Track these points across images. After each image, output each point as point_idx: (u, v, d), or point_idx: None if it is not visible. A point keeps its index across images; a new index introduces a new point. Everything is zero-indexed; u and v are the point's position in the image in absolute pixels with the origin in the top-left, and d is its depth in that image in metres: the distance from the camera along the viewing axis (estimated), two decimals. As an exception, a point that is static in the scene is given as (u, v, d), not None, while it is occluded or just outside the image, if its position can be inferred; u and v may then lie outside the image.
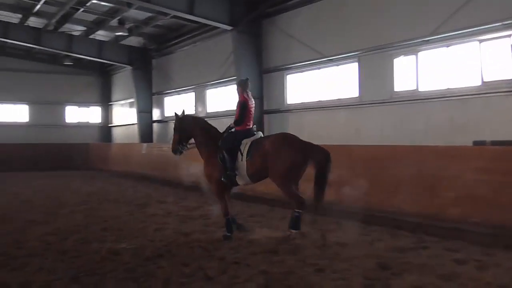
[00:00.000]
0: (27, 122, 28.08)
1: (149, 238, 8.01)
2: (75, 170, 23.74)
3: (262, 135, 8.13)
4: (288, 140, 7.62)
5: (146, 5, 16.16)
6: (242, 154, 7.72)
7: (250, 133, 8.01)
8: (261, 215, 10.27)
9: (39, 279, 5.76)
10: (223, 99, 19.47)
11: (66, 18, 20.82)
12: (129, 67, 24.63)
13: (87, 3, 18.81)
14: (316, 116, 15.01)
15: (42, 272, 6.04)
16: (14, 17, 21.63)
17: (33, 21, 21.88)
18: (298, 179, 7.55)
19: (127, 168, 21.25)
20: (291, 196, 7.40)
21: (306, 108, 15.43)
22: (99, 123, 30.30)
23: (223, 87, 19.38)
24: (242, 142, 7.85)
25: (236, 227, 8.05)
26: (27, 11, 20.63)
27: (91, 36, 23.09)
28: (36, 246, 7.45)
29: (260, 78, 16.78)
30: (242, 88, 8.14)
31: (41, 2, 19.06)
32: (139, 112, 24.44)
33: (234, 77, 17.25)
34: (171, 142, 8.68)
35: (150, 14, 19.82)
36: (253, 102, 8.20)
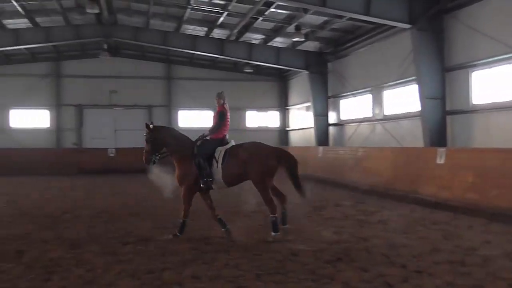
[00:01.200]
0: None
1: (327, 241, 8.01)
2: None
3: (234, 143, 8.74)
4: (261, 148, 8.61)
5: (322, 9, 16.27)
6: (217, 161, 8.38)
7: (224, 141, 8.70)
8: (445, 222, 9.66)
9: (227, 274, 6.11)
10: (401, 100, 18.76)
11: (247, 27, 22.01)
12: (305, 72, 25.09)
13: (265, 12, 19.65)
14: (509, 118, 13.57)
15: (229, 268, 6.39)
16: (201, 31, 23.56)
17: (217, 33, 23.56)
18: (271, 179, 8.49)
19: (304, 171, 21.52)
20: (268, 201, 8.23)
21: (496, 108, 14.08)
22: (277, 127, 31.38)
23: (402, 88, 18.67)
24: (217, 149, 8.52)
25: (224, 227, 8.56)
26: (212, 24, 22.28)
27: (269, 44, 24.07)
28: (222, 243, 7.93)
29: (442, 77, 15.80)
30: (221, 99, 8.92)
31: (224, 15, 20.44)
32: (316, 115, 24.74)
33: (413, 77, 16.54)
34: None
35: (325, 18, 19.97)
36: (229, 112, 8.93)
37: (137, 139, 28.66)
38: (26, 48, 25.06)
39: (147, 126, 8.64)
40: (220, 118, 8.73)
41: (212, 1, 19.45)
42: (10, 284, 5.87)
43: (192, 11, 20.82)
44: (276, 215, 8.18)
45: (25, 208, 12.44)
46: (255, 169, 8.22)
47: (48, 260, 6.89)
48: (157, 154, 8.62)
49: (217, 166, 8.38)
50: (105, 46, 25.29)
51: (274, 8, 19.10)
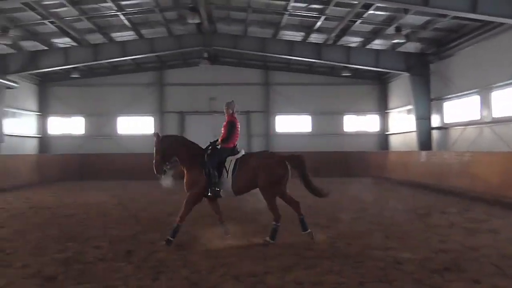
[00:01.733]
0: (310, 131, 30.19)
1: (433, 249, 7.65)
2: (354, 177, 24.45)
3: (244, 153, 8.79)
4: (270, 156, 8.75)
5: (424, 9, 15.65)
6: (227, 171, 8.42)
7: (235, 151, 8.73)
8: None
9: (329, 280, 6.03)
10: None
11: (344, 31, 21.74)
12: (406, 74, 24.29)
13: (364, 14, 19.29)
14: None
15: (331, 274, 6.30)
16: (298, 36, 23.63)
17: (314, 37, 23.49)
18: (283, 189, 8.54)
19: (405, 176, 20.93)
20: (273, 209, 8.35)
21: None
22: (377, 131, 30.64)
23: (514, 89, 17.46)
24: (227, 159, 8.55)
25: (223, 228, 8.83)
26: (309, 29, 22.25)
27: (368, 46, 23.59)
28: (324, 249, 7.82)
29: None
30: (230, 108, 8.93)
31: (322, 19, 20.33)
32: (418, 119, 23.83)
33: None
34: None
35: (428, 18, 19.21)
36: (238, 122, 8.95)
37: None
38: (132, 59, 26.54)
39: (156, 135, 8.69)
40: (230, 128, 8.77)
41: (310, 6, 19.42)
42: (122, 281, 6.18)
43: (290, 17, 20.93)
44: (279, 224, 8.33)
45: (132, 210, 13.10)
46: (262, 178, 8.30)
47: (155, 261, 7.19)
48: (167, 163, 8.64)
49: (227, 176, 8.43)
50: (205, 55, 26.09)
51: (373, 10, 18.69)
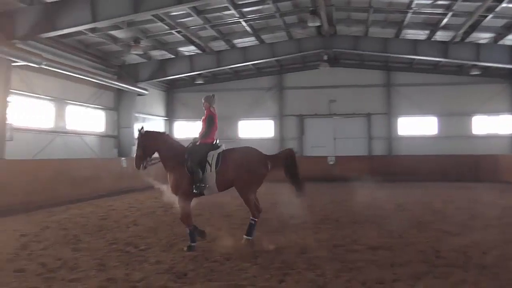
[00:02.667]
0: (435, 134, 28.81)
1: None
2: (483, 182, 22.93)
3: (224, 148, 8.66)
4: (252, 153, 8.59)
5: None
6: (210, 166, 8.29)
7: (215, 145, 8.61)
8: None
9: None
10: None
11: (474, 27, 20.43)
12: (544, 71, 22.27)
13: (496, 8, 17.99)
14: None
15: (466, 285, 5.94)
16: (422, 34, 22.64)
17: (439, 35, 22.34)
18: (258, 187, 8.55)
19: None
20: (251, 205, 8.35)
21: None
22: (510, 133, 28.33)
23: None
24: (209, 154, 8.40)
25: (199, 234, 8.45)
26: (434, 26, 21.23)
27: (500, 42, 21.97)
28: (456, 258, 7.39)
29: None
30: (209, 103, 8.82)
31: (449, 15, 19.30)
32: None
33: None
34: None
35: None
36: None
37: (356, 147, 29.14)
38: (253, 64, 27.16)
39: (139, 130, 8.59)
40: (209, 122, 8.67)
41: (435, 3, 18.52)
42: (248, 282, 6.31)
43: (413, 15, 20.13)
44: (257, 219, 8.43)
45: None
46: (241, 174, 8.27)
47: (280, 262, 7.24)
48: (148, 159, 8.51)
49: (210, 170, 8.33)
50: (325, 57, 25.95)
51: (507, 3, 17.36)
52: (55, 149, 19.06)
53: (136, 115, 25.70)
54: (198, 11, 18.78)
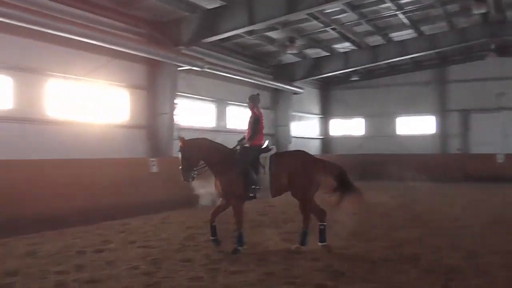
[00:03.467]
0: None
1: None
2: None
3: (275, 150, 8.29)
4: (307, 158, 8.32)
5: None
6: (264, 168, 7.92)
7: (266, 147, 8.22)
8: None
9: None
10: None
11: None
12: None
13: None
14: None
15: None
16: None
17: None
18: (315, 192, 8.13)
19: None
20: (309, 211, 8.07)
21: None
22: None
23: None
24: (261, 156, 8.03)
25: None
26: None
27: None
28: None
29: None
30: (254, 103, 8.36)
31: None
32: None
33: None
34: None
35: None
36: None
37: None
38: (410, 58, 25.93)
39: (181, 140, 8.03)
40: (254, 124, 8.26)
41: None
42: (408, 285, 6.00)
43: None
44: (325, 223, 8.00)
45: (416, 212, 12.73)
46: (302, 181, 8.01)
47: (444, 267, 6.78)
48: (195, 169, 7.98)
49: (264, 173, 7.98)
50: (492, 46, 23.89)
51: None
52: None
53: (293, 114, 26.12)
54: (353, 7, 18.43)
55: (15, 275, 6.55)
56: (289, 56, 23.95)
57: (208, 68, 18.03)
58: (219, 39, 18.16)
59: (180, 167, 7.86)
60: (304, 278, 6.36)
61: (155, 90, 16.97)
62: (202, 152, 8.00)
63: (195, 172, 7.97)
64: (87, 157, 13.00)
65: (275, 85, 23.72)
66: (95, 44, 13.71)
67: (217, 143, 8.40)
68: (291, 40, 20.86)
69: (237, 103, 22.13)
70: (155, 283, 6.20)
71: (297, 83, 25.20)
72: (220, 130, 20.91)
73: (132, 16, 15.76)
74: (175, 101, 17.10)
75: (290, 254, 7.76)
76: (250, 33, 19.23)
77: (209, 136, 18.99)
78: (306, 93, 27.24)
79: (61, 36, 12.73)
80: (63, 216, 10.31)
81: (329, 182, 8.29)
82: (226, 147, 8.32)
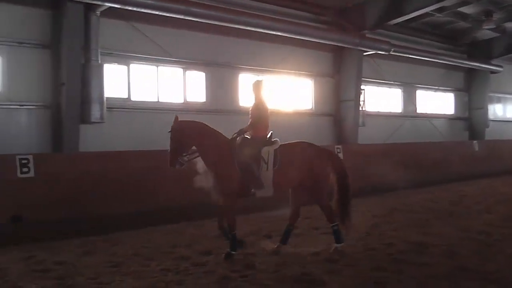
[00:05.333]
0: None
1: None
2: None
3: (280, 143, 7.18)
4: (315, 150, 7.44)
5: None
6: (266, 164, 6.92)
7: (269, 139, 7.17)
8: None
9: None
10: None
11: None
12: None
13: None
14: None
15: None
16: None
17: None
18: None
19: None
20: (328, 208, 7.27)
21: None
22: None
23: None
24: (263, 150, 6.97)
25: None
26: None
27: None
28: None
29: None
30: (258, 90, 7.38)
31: None
32: None
33: None
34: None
35: None
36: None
37: None
38: None
39: (174, 120, 7.00)
40: (259, 112, 7.22)
41: None
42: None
43: None
44: (338, 223, 7.23)
45: None
46: (312, 173, 7.16)
47: None
48: (185, 154, 6.94)
49: (267, 169, 6.92)
50: None
51: None
52: (404, 133, 19.39)
53: (490, 95, 23.92)
54: None
55: (209, 255, 7.13)
56: (485, 32, 21.73)
57: (395, 51, 17.37)
58: (406, 20, 17.36)
59: (169, 150, 6.93)
60: (500, 274, 5.85)
61: (340, 77, 16.97)
62: (194, 136, 7.01)
63: (185, 158, 7.00)
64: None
65: (470, 64, 21.90)
66: (280, 36, 14.17)
67: (215, 130, 7.23)
68: (488, 14, 18.98)
69: (427, 86, 21.04)
70: (337, 270, 6.21)
71: (495, 61, 22.87)
72: (408, 115, 20.10)
73: (316, 4, 15.89)
74: (361, 87, 16.89)
75: (484, 248, 7.14)
76: (440, 10, 17.96)
77: (396, 122, 19.09)
78: (506, 71, 24.56)
79: (249, 30, 13.41)
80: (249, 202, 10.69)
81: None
82: (223, 136, 7.21)
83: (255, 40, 14.52)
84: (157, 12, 11.55)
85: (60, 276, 6.20)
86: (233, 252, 6.91)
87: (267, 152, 7.02)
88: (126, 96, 12.55)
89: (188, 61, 13.54)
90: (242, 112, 14.44)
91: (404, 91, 20.16)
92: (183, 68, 13.56)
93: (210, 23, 12.62)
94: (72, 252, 7.54)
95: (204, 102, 13.91)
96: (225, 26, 12.92)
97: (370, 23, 16.04)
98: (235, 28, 13.15)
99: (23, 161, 9.00)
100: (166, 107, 12.78)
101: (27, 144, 10.58)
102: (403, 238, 7.98)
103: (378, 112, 18.85)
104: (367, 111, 17.51)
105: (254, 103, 7.42)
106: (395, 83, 19.66)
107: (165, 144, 7.03)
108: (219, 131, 7.19)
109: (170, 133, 6.91)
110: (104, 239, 8.34)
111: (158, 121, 11.62)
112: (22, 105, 10.82)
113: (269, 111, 7.37)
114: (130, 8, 11.15)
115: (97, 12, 11.02)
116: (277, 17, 14.17)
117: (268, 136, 7.25)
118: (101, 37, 11.28)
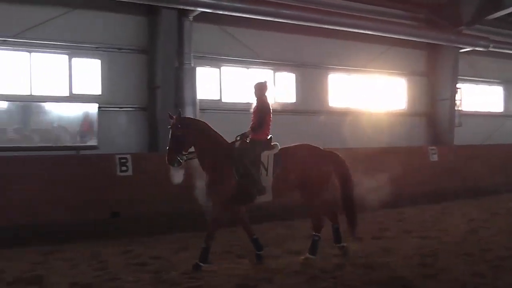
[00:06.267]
0: None
1: None
2: None
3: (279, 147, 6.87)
4: (316, 153, 7.08)
5: None
6: (266, 169, 6.63)
7: (270, 143, 6.86)
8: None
9: None
10: None
11: None
12: None
13: None
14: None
15: None
16: None
17: None
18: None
19: None
20: (319, 215, 7.01)
21: None
22: None
23: None
24: (263, 154, 6.69)
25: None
26: None
27: None
28: None
29: None
30: (261, 91, 6.99)
31: None
32: None
33: None
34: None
35: None
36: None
37: None
38: None
39: (170, 116, 6.73)
40: (261, 114, 6.85)
41: None
42: None
43: None
44: (320, 234, 6.86)
45: None
46: (310, 181, 6.80)
47: None
48: (184, 153, 6.58)
49: (266, 174, 6.63)
50: None
51: None
52: (505, 134, 18.26)
53: None
54: None
55: (297, 255, 7.09)
56: None
57: (494, 47, 16.40)
58: (507, 14, 16.34)
59: (167, 147, 6.63)
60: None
61: (435, 75, 16.35)
62: (195, 135, 6.68)
63: (184, 157, 6.64)
64: (361, 145, 13.12)
65: None
66: (371, 34, 13.86)
67: (215, 131, 6.89)
68: None
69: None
70: (432, 276, 5.96)
71: None
72: (509, 114, 18.90)
73: (409, 1, 15.38)
74: (457, 85, 16.14)
75: None
76: (544, 2, 16.77)
77: (496, 122, 17.95)
78: None
79: (339, 30, 13.24)
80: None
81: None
82: (223, 138, 6.89)
83: (344, 40, 14.31)
84: (247, 15, 11.74)
85: (156, 270, 6.47)
86: (202, 265, 6.48)
87: (267, 157, 6.77)
88: (217, 97, 12.88)
89: (277, 63, 13.65)
90: (332, 112, 14.38)
91: (505, 89, 19.00)
92: (272, 69, 13.69)
93: (297, 24, 12.62)
94: (167, 247, 7.83)
95: (294, 102, 13.95)
96: (313, 26, 12.85)
97: (466, 19, 15.29)
98: (323, 28, 13.04)
99: (122, 160, 9.54)
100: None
101: (126, 144, 11.15)
102: (503, 244, 7.55)
103: (476, 111, 17.91)
104: (463, 111, 16.70)
105: (256, 105, 7.08)
106: (495, 80, 18.58)
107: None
108: (219, 133, 6.90)
109: (170, 129, 6.65)
110: (196, 236, 8.59)
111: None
112: (121, 108, 11.45)
113: (271, 113, 7.03)
114: (220, 12, 11.43)
115: (190, 17, 11.44)
116: (368, 16, 13.88)
117: (268, 140, 6.95)
118: (194, 41, 11.68)
